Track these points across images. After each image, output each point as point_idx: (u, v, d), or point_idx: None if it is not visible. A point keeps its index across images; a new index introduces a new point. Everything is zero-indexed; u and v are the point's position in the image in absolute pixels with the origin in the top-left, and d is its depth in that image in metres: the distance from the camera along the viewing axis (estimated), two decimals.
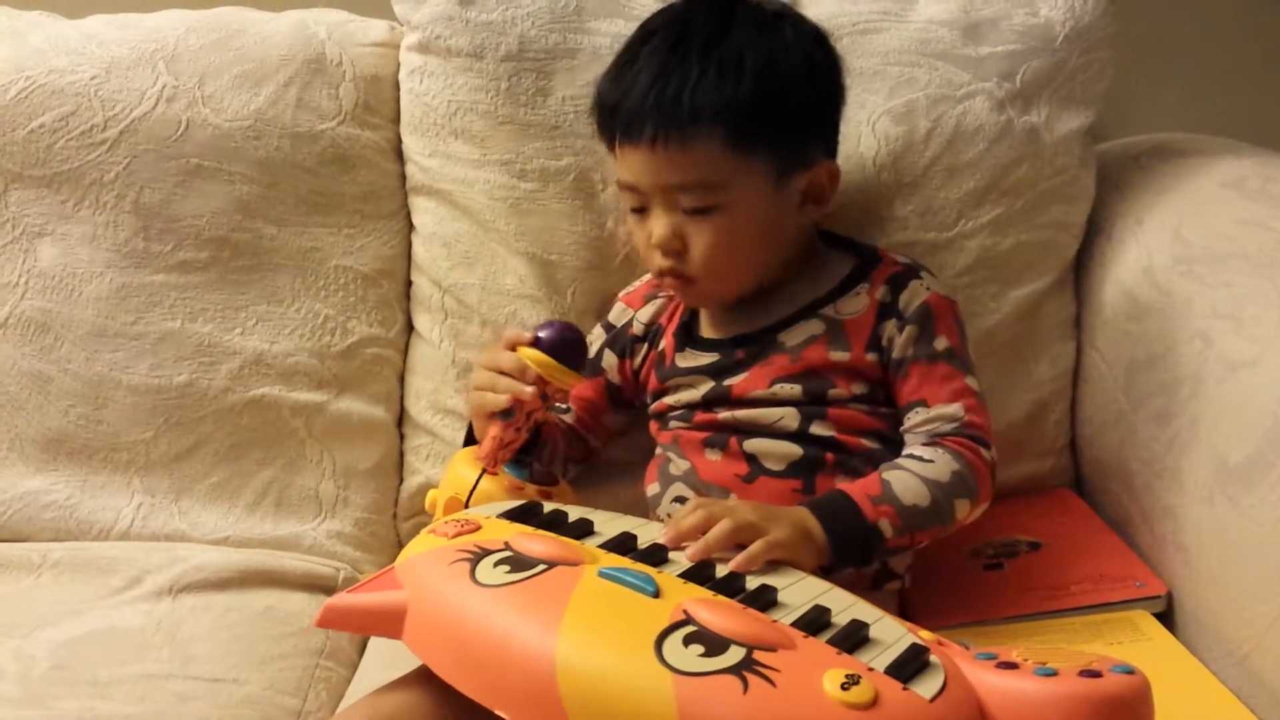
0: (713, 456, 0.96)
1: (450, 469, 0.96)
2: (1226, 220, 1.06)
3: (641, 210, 0.95)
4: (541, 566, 0.73)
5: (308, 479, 1.14)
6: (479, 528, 0.80)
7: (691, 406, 0.99)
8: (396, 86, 1.17)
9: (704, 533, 0.78)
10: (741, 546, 0.78)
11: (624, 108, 0.93)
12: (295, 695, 0.95)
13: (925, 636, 0.71)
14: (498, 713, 0.67)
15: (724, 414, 0.96)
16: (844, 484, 0.89)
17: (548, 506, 0.85)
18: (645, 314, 1.06)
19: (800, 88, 0.93)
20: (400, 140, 1.18)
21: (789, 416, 0.94)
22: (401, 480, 1.18)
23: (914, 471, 0.88)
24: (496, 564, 0.74)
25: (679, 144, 0.90)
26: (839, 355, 0.95)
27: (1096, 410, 1.12)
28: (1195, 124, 1.29)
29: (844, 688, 0.62)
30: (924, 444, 0.91)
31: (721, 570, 0.76)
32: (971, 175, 1.11)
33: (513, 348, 0.93)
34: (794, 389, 0.95)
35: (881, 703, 0.62)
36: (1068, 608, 0.97)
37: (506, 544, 0.76)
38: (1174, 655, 0.90)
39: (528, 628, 0.68)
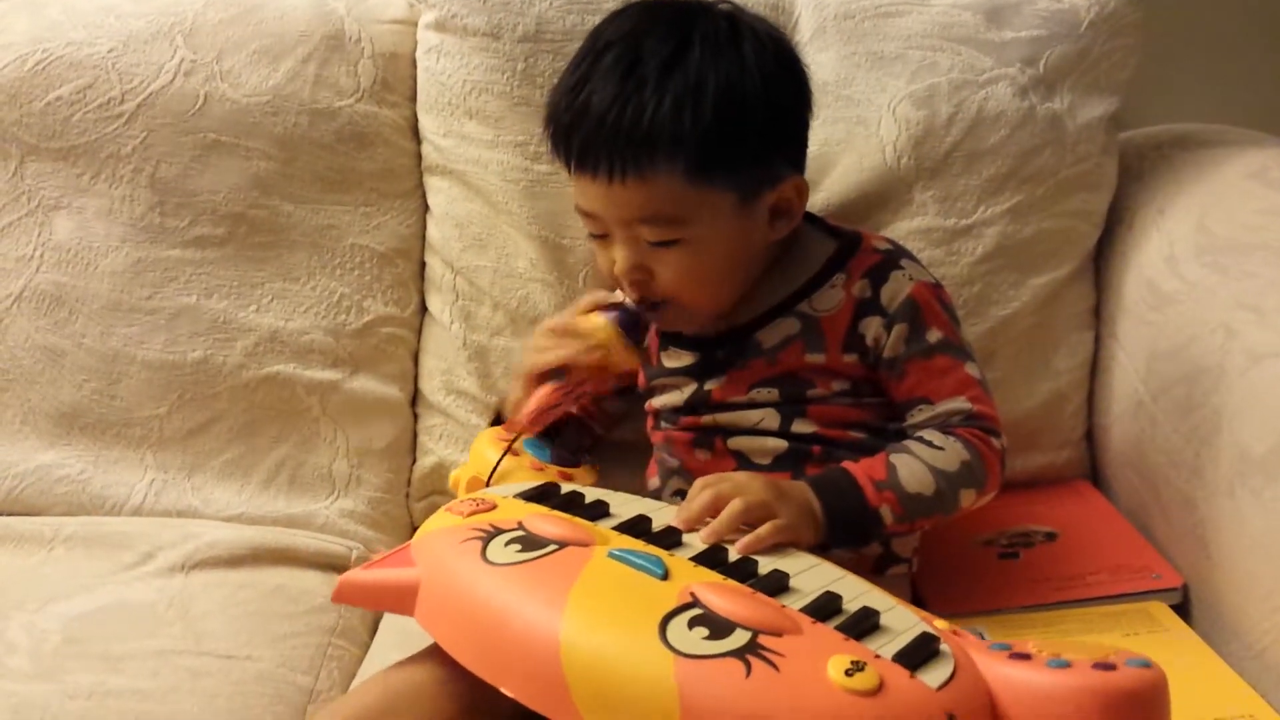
0: (701, 455, 0.96)
1: (474, 448, 0.97)
2: (1250, 211, 1.05)
3: (602, 236, 0.92)
4: (552, 547, 0.73)
5: (321, 457, 1.14)
6: (494, 507, 0.80)
7: (676, 410, 0.98)
8: (414, 64, 1.17)
9: (715, 513, 0.78)
10: (751, 525, 0.78)
11: (578, 136, 0.88)
12: (307, 673, 0.95)
13: (940, 626, 0.71)
14: (504, 690, 0.67)
15: (706, 417, 0.96)
16: (850, 463, 0.88)
17: (565, 487, 0.85)
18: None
19: (760, 111, 0.87)
20: (417, 119, 1.18)
21: (769, 417, 0.94)
22: (415, 460, 1.18)
23: (922, 458, 0.87)
24: (508, 543, 0.74)
25: (636, 178, 0.86)
26: (815, 357, 0.93)
27: (1115, 401, 1.12)
28: (1219, 114, 1.29)
29: (848, 674, 0.62)
30: (936, 428, 0.90)
31: (734, 555, 0.76)
32: (992, 162, 1.10)
33: (587, 312, 0.94)
34: (771, 393, 0.94)
35: (886, 689, 0.62)
36: (1083, 598, 0.97)
37: (520, 524, 0.76)
38: (1190, 647, 0.90)
39: (533, 606, 0.68)
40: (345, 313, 1.15)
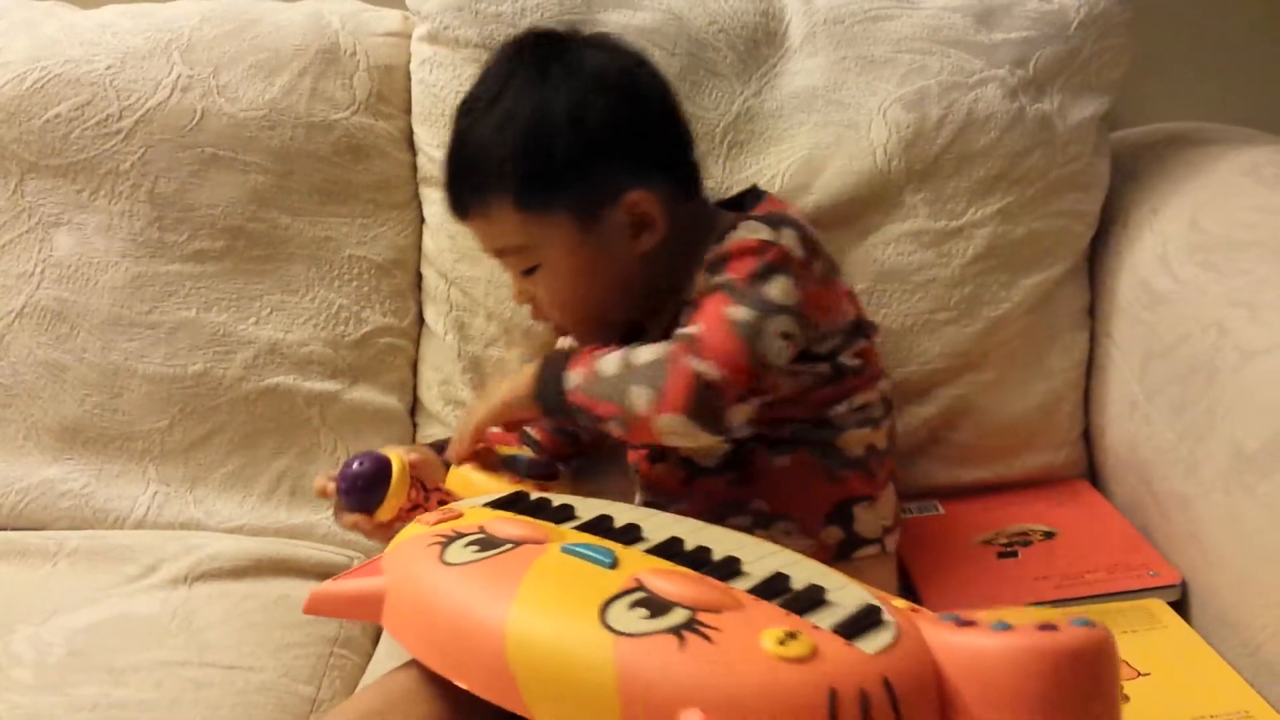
0: (659, 467, 0.97)
1: (453, 470, 0.97)
2: (1243, 208, 1.05)
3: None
4: (508, 545, 0.74)
5: (322, 468, 1.11)
6: (461, 516, 0.82)
7: None
8: (409, 77, 1.18)
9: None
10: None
11: (443, 180, 0.95)
12: (309, 683, 0.95)
13: (898, 604, 0.70)
14: (459, 684, 0.68)
15: None
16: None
17: (534, 495, 0.86)
18: None
19: (569, 135, 0.90)
20: (413, 130, 1.18)
21: None
22: None
23: (631, 348, 0.87)
24: (466, 545, 0.75)
25: (478, 216, 0.92)
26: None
27: (1111, 400, 1.12)
28: (1211, 112, 1.29)
29: (781, 643, 0.62)
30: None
31: (690, 545, 0.76)
32: (983, 163, 1.10)
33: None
34: None
35: (820, 656, 0.62)
36: (1082, 596, 0.96)
37: (480, 527, 0.77)
38: (1189, 644, 0.90)
39: (483, 599, 0.69)
40: (344, 324, 1.16)
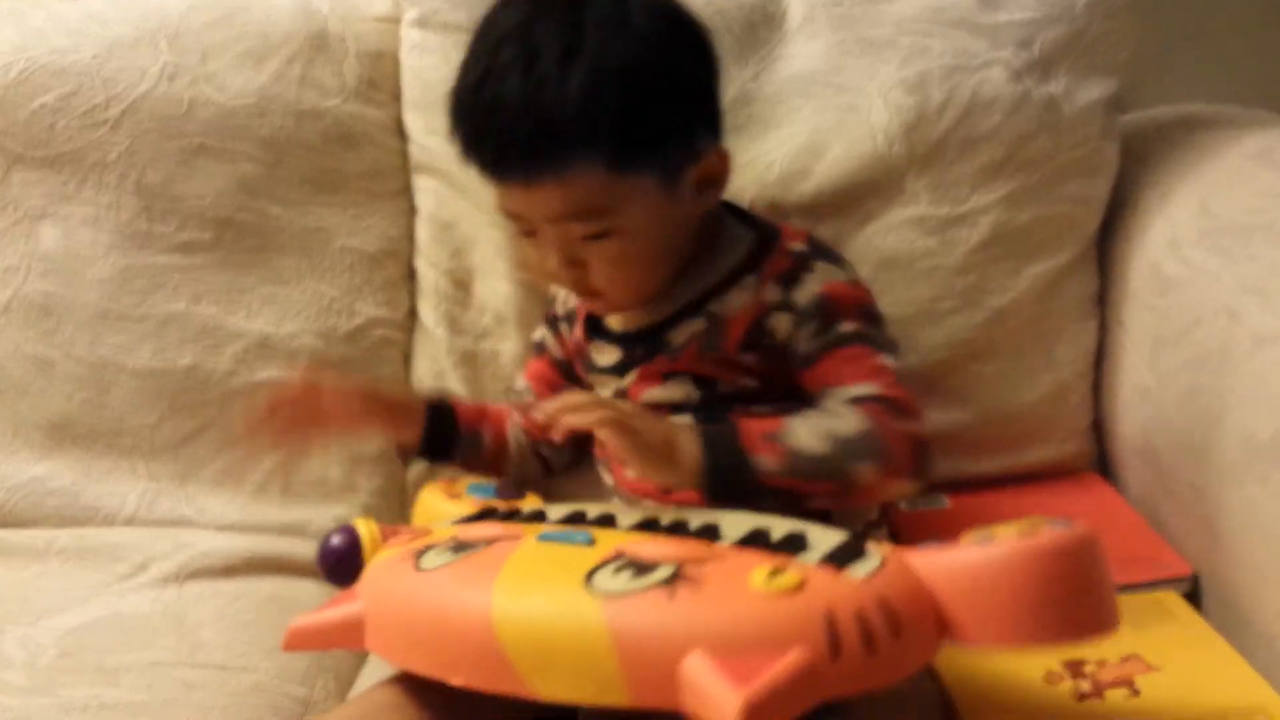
0: (636, 481, 0.93)
1: (420, 502, 0.96)
2: (1253, 193, 1.03)
3: (531, 233, 0.88)
4: (482, 545, 0.74)
5: (314, 464, 1.13)
6: (430, 534, 0.82)
7: None
8: (399, 63, 1.16)
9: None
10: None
11: (488, 143, 0.83)
12: (303, 684, 0.94)
13: (881, 546, 0.70)
14: (455, 683, 0.67)
15: None
16: (745, 416, 0.85)
17: (504, 508, 0.86)
18: (564, 292, 1.01)
19: (666, 85, 0.83)
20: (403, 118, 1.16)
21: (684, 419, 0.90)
22: (408, 465, 1.16)
23: (818, 420, 0.83)
24: (440, 552, 0.75)
25: (555, 180, 0.82)
26: (714, 352, 0.89)
27: (1122, 388, 1.10)
28: (1222, 94, 1.27)
29: (770, 577, 0.63)
30: (842, 403, 0.86)
31: (666, 522, 0.76)
32: (987, 148, 1.08)
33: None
34: (679, 389, 0.91)
35: (809, 586, 0.63)
36: None
37: (453, 536, 0.77)
38: (1201, 636, 0.89)
39: (464, 591, 0.69)
40: (336, 316, 1.14)
